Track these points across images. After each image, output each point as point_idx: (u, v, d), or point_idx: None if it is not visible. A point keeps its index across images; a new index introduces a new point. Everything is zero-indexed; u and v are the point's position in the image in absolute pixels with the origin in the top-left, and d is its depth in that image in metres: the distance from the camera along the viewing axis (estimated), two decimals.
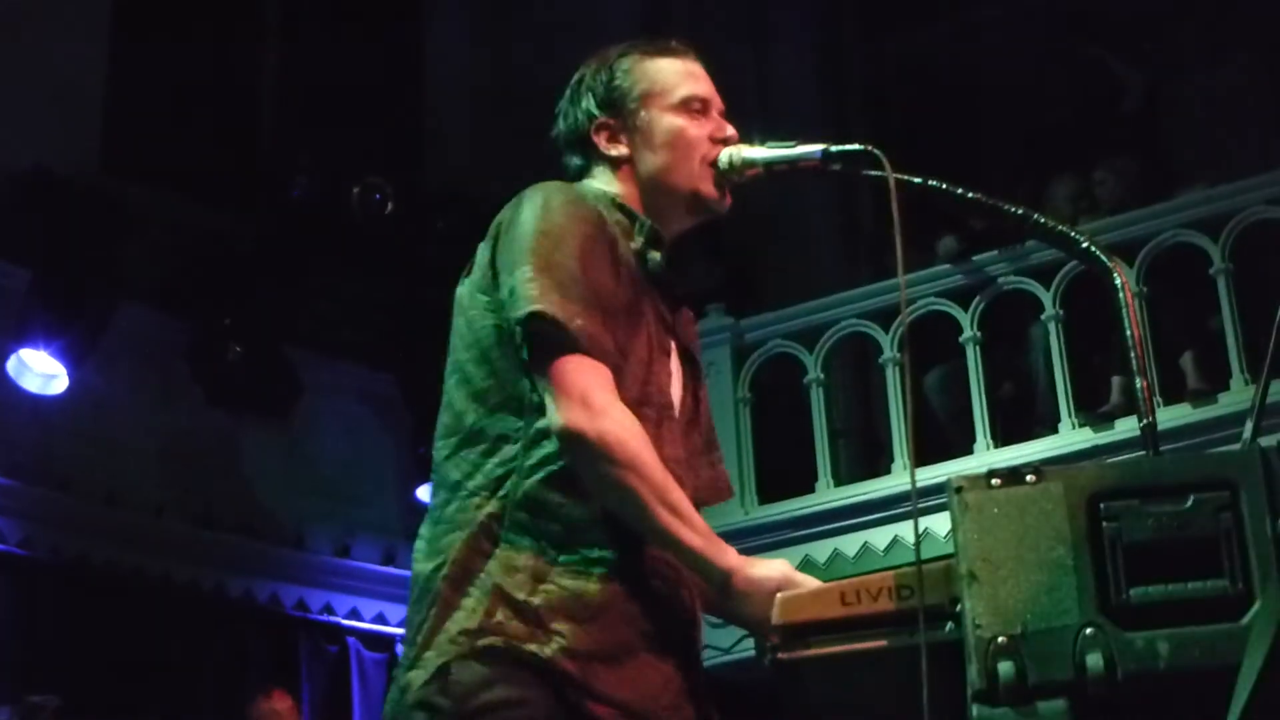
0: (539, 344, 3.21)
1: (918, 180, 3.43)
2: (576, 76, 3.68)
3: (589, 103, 3.61)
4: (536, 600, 3.16)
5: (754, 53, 13.05)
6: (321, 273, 11.31)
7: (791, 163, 3.54)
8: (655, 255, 3.51)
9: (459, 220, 11.29)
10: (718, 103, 3.66)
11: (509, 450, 3.27)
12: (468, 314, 3.41)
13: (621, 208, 3.52)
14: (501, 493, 3.25)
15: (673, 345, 3.53)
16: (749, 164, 3.56)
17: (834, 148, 3.49)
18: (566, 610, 3.17)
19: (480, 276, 3.40)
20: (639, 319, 3.40)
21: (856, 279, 11.85)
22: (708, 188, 3.57)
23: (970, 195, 3.44)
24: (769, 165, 3.56)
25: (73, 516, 10.21)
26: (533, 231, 3.30)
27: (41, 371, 9.89)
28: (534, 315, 3.19)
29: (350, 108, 12.60)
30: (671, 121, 3.58)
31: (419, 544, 3.37)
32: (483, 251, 3.43)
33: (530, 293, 3.21)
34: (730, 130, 3.63)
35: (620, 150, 3.58)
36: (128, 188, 10.65)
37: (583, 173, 3.63)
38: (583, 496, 3.23)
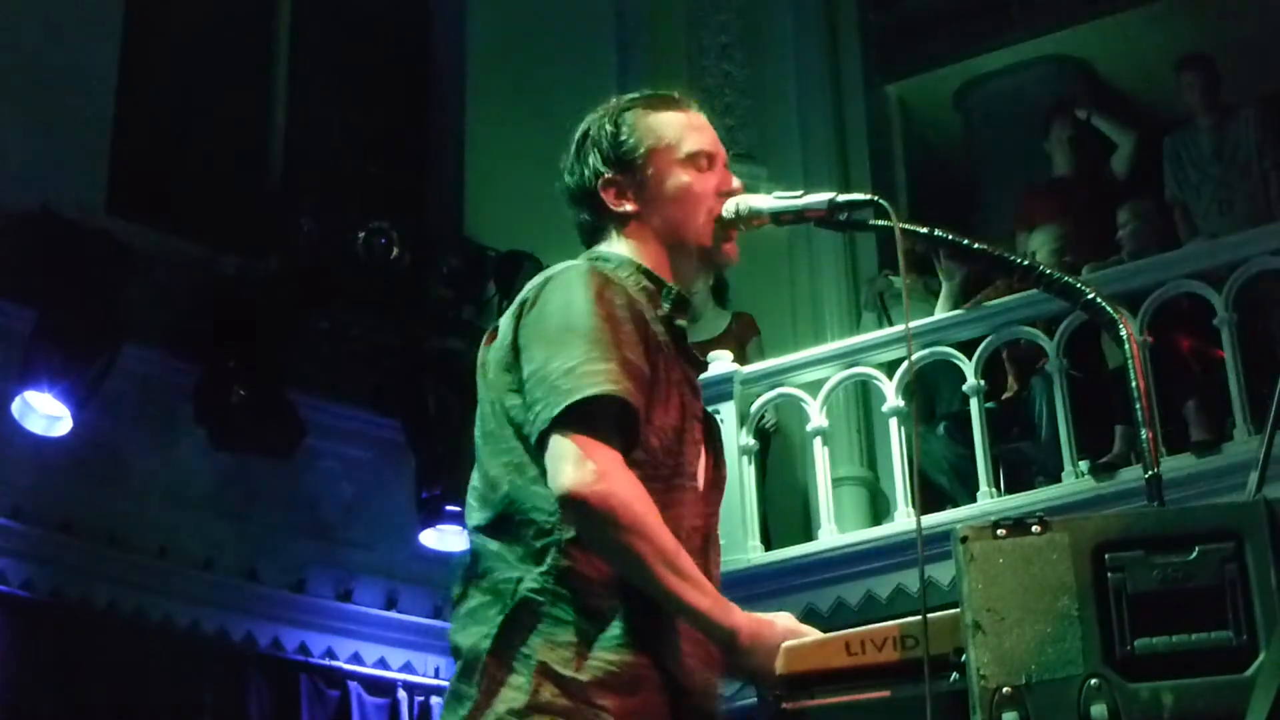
0: (558, 419, 3.20)
1: (924, 230, 3.44)
2: (581, 130, 3.67)
3: (595, 159, 3.60)
4: (583, 676, 3.17)
5: (754, 100, 13.08)
6: (326, 316, 11.32)
7: (798, 212, 3.55)
8: (683, 322, 3.54)
9: (464, 265, 11.32)
10: (722, 154, 3.67)
11: (548, 524, 3.27)
12: (495, 388, 3.41)
13: (648, 274, 3.53)
14: (542, 568, 3.25)
15: (699, 409, 3.54)
16: (756, 214, 3.57)
17: (840, 197, 3.51)
18: (610, 684, 3.18)
19: (505, 354, 3.39)
20: (670, 388, 3.40)
21: (859, 327, 11.87)
22: (718, 244, 3.59)
23: (976, 245, 3.45)
24: (776, 215, 3.57)
25: (75, 558, 10.20)
26: (564, 310, 3.30)
27: (46, 413, 9.89)
28: (571, 405, 3.19)
29: (356, 152, 12.64)
30: (678, 177, 3.58)
31: (460, 611, 3.36)
32: (506, 326, 3.42)
33: (566, 384, 3.21)
34: (736, 182, 3.63)
35: (628, 207, 3.58)
36: (133, 229, 10.68)
37: (592, 229, 3.63)
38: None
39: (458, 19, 13.37)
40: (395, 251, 11.19)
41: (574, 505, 3.16)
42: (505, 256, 11.30)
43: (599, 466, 3.17)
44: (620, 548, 3.16)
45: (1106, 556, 2.69)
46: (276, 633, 11.07)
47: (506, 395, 3.37)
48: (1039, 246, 10.87)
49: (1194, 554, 2.67)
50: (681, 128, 3.63)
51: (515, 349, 3.36)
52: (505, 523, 3.33)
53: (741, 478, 10.51)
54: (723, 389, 10.58)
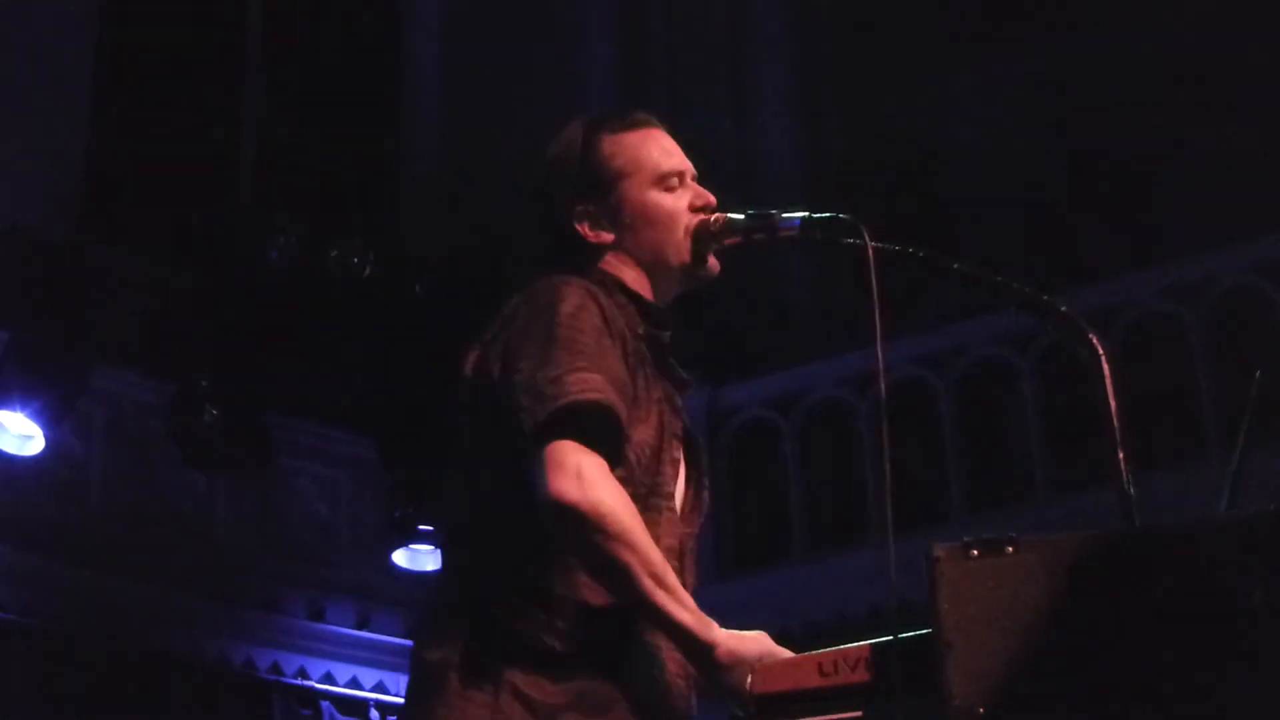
0: (545, 426, 3.17)
1: (896, 249, 3.44)
2: (546, 161, 3.64)
3: (564, 188, 3.57)
4: (551, 698, 3.16)
5: (733, 121, 13.09)
6: (299, 335, 11.30)
7: (771, 231, 3.55)
8: (664, 337, 3.52)
9: (437, 284, 11.31)
10: (690, 169, 3.63)
11: (522, 537, 3.24)
12: (475, 401, 3.38)
13: (626, 291, 3.50)
14: (513, 583, 3.23)
15: (680, 428, 3.53)
16: (729, 232, 3.56)
17: (813, 216, 3.50)
18: (579, 706, 3.17)
19: (488, 370, 3.35)
20: (649, 406, 3.39)
21: (833, 346, 11.89)
22: (697, 259, 3.57)
23: (948, 264, 3.45)
24: (748, 234, 3.56)
25: (47, 579, 10.17)
26: (548, 322, 3.27)
27: (17, 433, 9.85)
28: (558, 410, 3.16)
29: (329, 171, 12.63)
30: (650, 198, 3.55)
31: (424, 628, 3.35)
32: (489, 341, 3.39)
33: (554, 390, 3.17)
34: (708, 196, 3.61)
35: (605, 237, 3.55)
36: (106, 249, 10.66)
37: (570, 260, 3.56)
38: (590, 586, 3.22)
39: (431, 36, 13.38)
40: (368, 270, 11.18)
41: (560, 511, 3.13)
42: (479, 274, 11.29)
43: (587, 473, 3.14)
44: (605, 556, 3.14)
45: (1078, 577, 2.69)
46: (249, 652, 11.04)
47: (488, 413, 3.33)
48: None
49: (1165, 573, 2.67)
50: (648, 149, 3.61)
51: (501, 363, 3.32)
52: (482, 536, 3.32)
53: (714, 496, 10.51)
54: (695, 407, 10.58)
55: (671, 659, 3.31)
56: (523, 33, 13.04)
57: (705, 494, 3.64)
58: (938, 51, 13.38)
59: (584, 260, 3.56)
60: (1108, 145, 13.08)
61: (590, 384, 3.19)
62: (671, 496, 3.44)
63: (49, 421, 9.85)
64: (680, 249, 3.56)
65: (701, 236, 3.56)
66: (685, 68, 13.31)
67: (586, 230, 3.55)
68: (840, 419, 11.70)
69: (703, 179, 3.65)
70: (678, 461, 3.50)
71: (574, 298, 3.32)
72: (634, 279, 3.55)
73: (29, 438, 9.89)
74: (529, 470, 3.19)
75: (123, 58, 11.72)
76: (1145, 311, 10.02)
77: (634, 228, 3.55)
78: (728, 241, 3.56)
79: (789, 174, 12.93)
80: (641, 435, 3.34)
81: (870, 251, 3.34)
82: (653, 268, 3.57)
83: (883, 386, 10.05)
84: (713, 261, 3.60)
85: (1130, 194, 11.59)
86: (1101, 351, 3.17)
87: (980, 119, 13.52)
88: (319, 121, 12.85)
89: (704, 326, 11.50)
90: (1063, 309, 3.27)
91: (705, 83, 13.25)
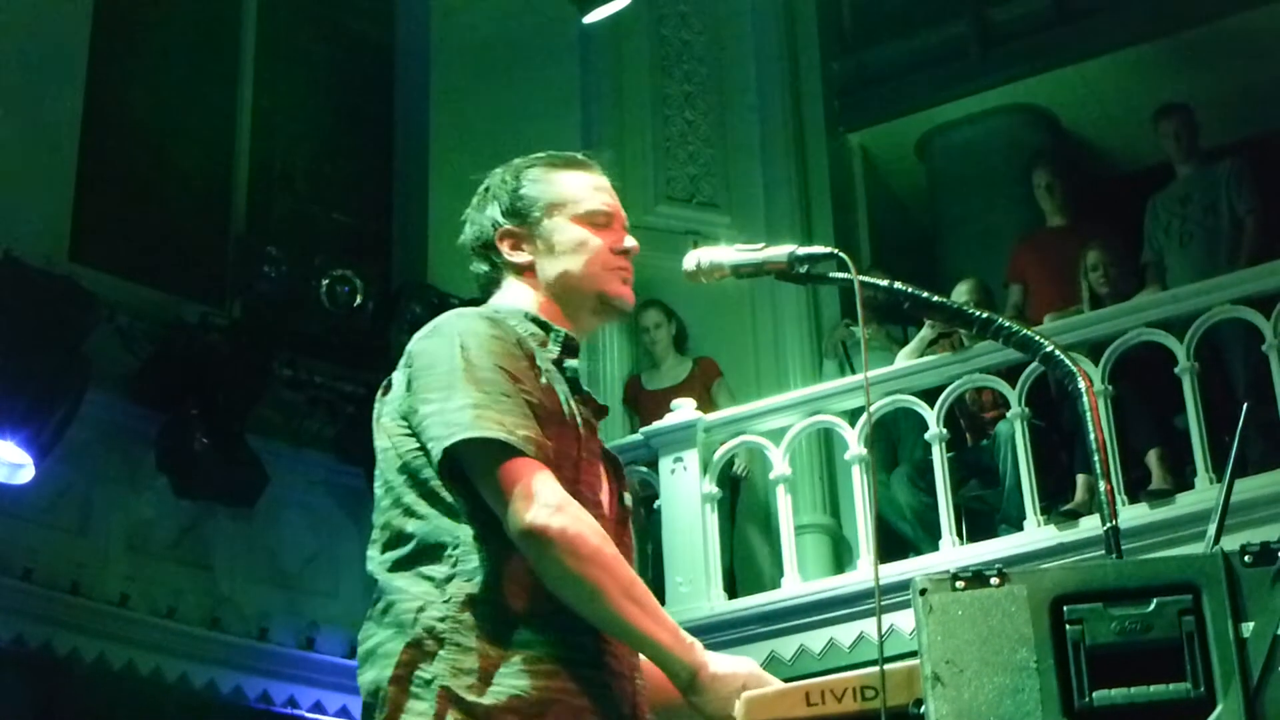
0: (483, 459, 3.24)
1: (883, 283, 3.45)
2: (484, 184, 3.76)
3: (494, 210, 3.69)
4: (486, 701, 3.16)
5: (720, 149, 13.11)
6: (289, 364, 11.31)
7: (758, 265, 3.57)
8: (573, 363, 3.57)
9: (427, 312, 11.32)
10: (621, 216, 3.72)
11: (450, 556, 3.29)
12: (392, 438, 3.45)
13: (535, 320, 3.58)
14: (445, 597, 3.25)
15: (599, 448, 3.56)
16: (716, 267, 3.60)
17: (800, 250, 3.53)
18: (515, 708, 3.17)
19: (399, 403, 3.44)
20: (565, 422, 3.43)
21: (821, 375, 11.90)
22: (614, 287, 3.64)
23: (934, 299, 3.47)
24: (736, 268, 3.60)
25: (37, 606, 10.16)
26: (456, 356, 3.35)
27: (8, 461, 9.85)
28: (472, 441, 3.24)
29: (320, 200, 12.64)
30: (573, 229, 3.64)
31: (362, 651, 3.38)
32: (399, 377, 3.49)
33: (463, 419, 3.25)
34: (632, 243, 3.69)
35: (523, 258, 3.65)
36: (97, 277, 10.66)
37: (488, 279, 3.71)
38: (524, 596, 3.25)
39: (422, 67, 13.40)
40: (358, 299, 11.19)
41: (533, 538, 3.18)
42: (468, 304, 11.28)
43: (553, 499, 3.20)
44: (579, 578, 3.18)
45: (1065, 609, 2.70)
46: (239, 681, 11.03)
47: (402, 441, 3.41)
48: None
49: (1151, 606, 2.68)
50: (583, 187, 3.70)
51: (409, 395, 3.41)
52: (411, 560, 3.35)
53: (705, 526, 10.50)
54: (686, 436, 10.58)
55: (614, 659, 3.33)
56: (513, 65, 13.06)
57: (628, 506, 3.66)
58: (929, 80, 13.40)
59: (500, 280, 3.69)
60: (1098, 175, 13.13)
61: (500, 424, 3.25)
62: (601, 505, 3.48)
63: (39, 449, 9.85)
64: (596, 278, 3.63)
65: (688, 271, 3.64)
66: (670, 97, 13.32)
67: (506, 248, 3.66)
68: (831, 447, 11.72)
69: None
70: (599, 476, 3.53)
71: (477, 330, 3.41)
72: (546, 306, 3.63)
73: (20, 466, 9.89)
74: (490, 499, 3.25)
75: (114, 84, 11.72)
76: (1132, 343, 10.02)
77: (551, 254, 3.64)
78: (716, 275, 3.60)
79: (777, 203, 12.93)
80: (561, 446, 3.39)
81: (857, 286, 3.36)
82: (563, 296, 3.64)
83: (869, 411, 10.11)
84: (627, 291, 3.69)
85: (1120, 224, 11.59)
86: (1088, 385, 3.18)
87: (971, 148, 13.54)
88: (311, 149, 12.86)
89: (692, 353, 11.53)
90: (1048, 345, 3.28)
91: (691, 110, 13.27)
